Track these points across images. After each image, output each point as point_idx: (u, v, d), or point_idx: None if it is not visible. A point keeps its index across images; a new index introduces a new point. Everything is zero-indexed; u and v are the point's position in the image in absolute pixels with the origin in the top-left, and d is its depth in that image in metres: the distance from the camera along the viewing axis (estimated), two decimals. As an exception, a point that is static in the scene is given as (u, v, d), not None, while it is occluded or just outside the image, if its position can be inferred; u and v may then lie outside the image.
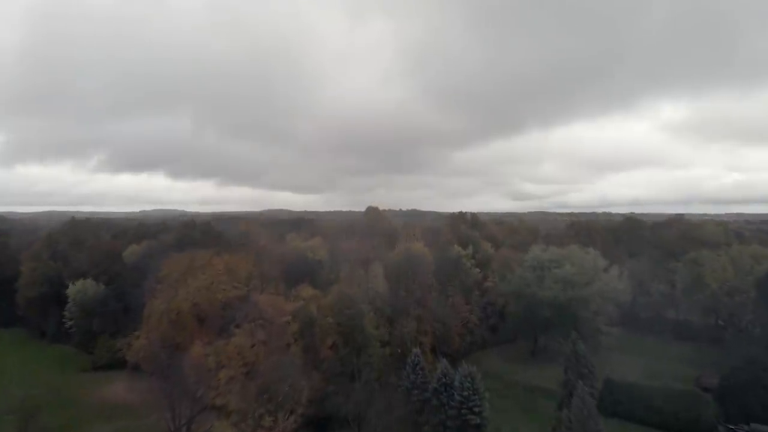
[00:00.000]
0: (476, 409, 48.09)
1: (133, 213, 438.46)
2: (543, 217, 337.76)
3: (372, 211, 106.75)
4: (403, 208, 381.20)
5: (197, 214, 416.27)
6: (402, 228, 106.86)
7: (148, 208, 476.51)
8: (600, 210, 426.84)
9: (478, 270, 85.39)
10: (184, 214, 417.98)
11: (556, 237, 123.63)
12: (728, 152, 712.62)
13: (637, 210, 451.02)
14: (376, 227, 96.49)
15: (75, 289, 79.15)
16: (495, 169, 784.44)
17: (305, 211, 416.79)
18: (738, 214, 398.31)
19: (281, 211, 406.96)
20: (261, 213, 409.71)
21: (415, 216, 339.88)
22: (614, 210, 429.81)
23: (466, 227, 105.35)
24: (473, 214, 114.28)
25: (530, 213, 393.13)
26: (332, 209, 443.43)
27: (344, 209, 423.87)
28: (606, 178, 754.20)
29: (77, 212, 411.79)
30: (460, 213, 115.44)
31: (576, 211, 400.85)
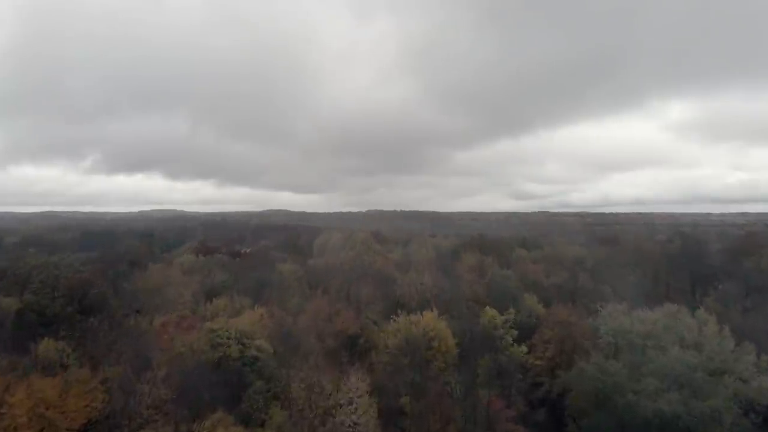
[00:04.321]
0: None
1: (131, 213, 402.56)
2: (549, 218, 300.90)
3: (363, 244, 69.83)
4: (404, 209, 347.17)
5: (197, 214, 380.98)
6: (402, 262, 70.98)
7: (147, 208, 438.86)
8: (606, 210, 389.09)
9: (524, 349, 49.33)
10: (183, 214, 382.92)
11: (600, 266, 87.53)
12: (734, 151, 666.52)
13: (641, 209, 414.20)
14: (365, 269, 60.76)
15: None
16: (498, 169, 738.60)
17: (304, 212, 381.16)
18: (742, 214, 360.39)
19: (281, 211, 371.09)
20: (261, 213, 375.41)
21: (414, 217, 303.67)
22: (617, 210, 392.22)
23: (493, 260, 69.26)
24: (498, 241, 77.85)
25: (533, 213, 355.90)
26: (333, 210, 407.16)
27: (345, 209, 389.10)
28: (611, 178, 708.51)
29: (75, 212, 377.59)
30: (480, 236, 79.09)
31: (580, 210, 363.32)
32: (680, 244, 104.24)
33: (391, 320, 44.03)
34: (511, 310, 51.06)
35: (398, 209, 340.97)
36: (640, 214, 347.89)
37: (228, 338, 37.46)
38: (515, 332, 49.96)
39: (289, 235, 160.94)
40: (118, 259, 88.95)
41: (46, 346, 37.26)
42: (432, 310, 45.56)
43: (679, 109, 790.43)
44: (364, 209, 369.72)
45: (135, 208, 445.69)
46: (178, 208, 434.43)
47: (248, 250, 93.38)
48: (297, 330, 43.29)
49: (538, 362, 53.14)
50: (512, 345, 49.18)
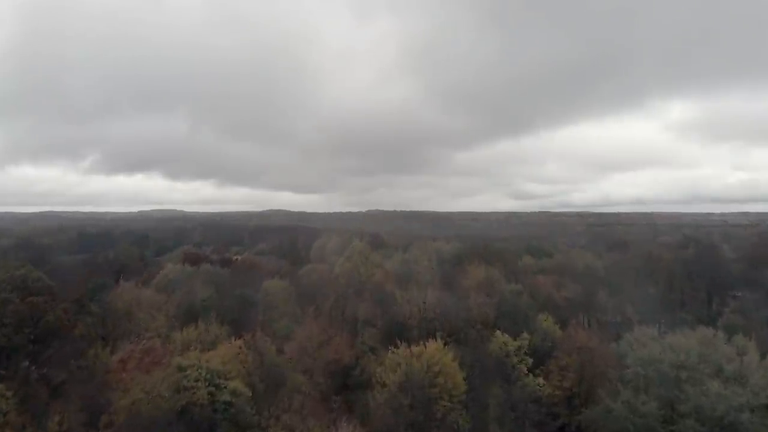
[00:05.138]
0: None
1: (131, 213, 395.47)
2: (550, 218, 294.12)
3: (360, 254, 62.89)
4: (404, 209, 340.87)
5: (196, 214, 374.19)
6: (402, 273, 64.59)
7: (147, 208, 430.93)
8: (607, 210, 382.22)
9: (541, 381, 42.98)
10: (183, 214, 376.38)
11: (612, 275, 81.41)
12: (735, 151, 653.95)
13: (641, 209, 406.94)
14: (362, 284, 54.35)
15: None
16: (498, 169, 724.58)
17: (304, 212, 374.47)
18: (743, 214, 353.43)
19: (281, 211, 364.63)
20: (261, 213, 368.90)
21: (414, 218, 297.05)
22: (618, 210, 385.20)
23: (500, 271, 62.97)
24: (504, 250, 71.36)
25: (534, 213, 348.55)
26: (333, 210, 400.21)
27: (345, 210, 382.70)
28: (612, 178, 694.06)
29: (75, 212, 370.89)
30: (485, 245, 72.63)
31: (580, 210, 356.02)
32: (693, 250, 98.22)
33: (390, 351, 37.70)
34: (525, 335, 44.70)
35: (398, 209, 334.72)
36: (641, 214, 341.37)
37: (197, 380, 31.13)
38: (530, 360, 43.68)
39: (288, 237, 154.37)
40: (107, 265, 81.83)
41: (-18, 389, 30.94)
42: (436, 338, 39.25)
43: (680, 109, 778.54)
44: (364, 209, 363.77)
45: (135, 208, 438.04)
46: (178, 208, 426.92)
47: (240, 257, 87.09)
48: (282, 362, 37.00)
49: (556, 392, 46.83)
50: (527, 375, 42.90)
